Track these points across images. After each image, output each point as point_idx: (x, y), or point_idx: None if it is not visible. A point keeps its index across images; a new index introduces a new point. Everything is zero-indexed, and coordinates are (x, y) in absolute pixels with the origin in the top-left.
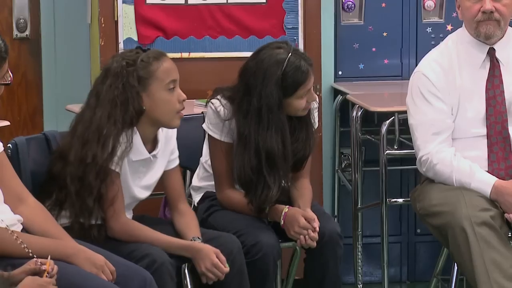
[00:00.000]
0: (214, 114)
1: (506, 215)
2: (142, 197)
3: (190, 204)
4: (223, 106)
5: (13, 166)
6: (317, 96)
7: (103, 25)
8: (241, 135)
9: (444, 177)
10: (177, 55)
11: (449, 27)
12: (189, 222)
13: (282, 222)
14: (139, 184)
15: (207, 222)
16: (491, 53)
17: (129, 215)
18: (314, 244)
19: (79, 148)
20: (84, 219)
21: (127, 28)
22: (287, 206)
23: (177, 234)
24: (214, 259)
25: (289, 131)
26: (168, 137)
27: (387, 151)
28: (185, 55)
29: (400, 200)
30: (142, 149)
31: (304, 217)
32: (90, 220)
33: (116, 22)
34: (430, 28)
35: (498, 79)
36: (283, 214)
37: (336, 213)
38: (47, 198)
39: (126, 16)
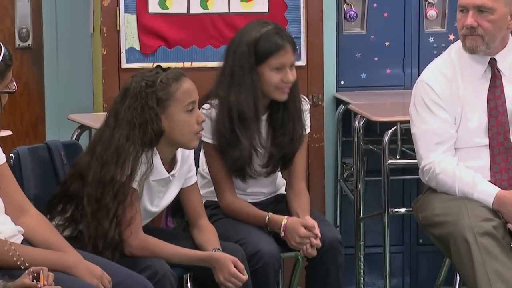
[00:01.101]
0: (207, 119)
1: (508, 225)
2: (157, 211)
3: None
4: (213, 107)
5: (15, 176)
6: (293, 78)
7: (105, 34)
8: (218, 97)
9: (447, 186)
10: (179, 64)
11: (451, 37)
12: (209, 236)
13: (282, 234)
14: (158, 204)
15: None
16: (492, 63)
17: (196, 227)
18: (315, 252)
19: (97, 169)
20: (98, 241)
21: (130, 38)
22: (286, 217)
23: (194, 247)
24: (231, 269)
25: (277, 124)
26: (185, 156)
27: (389, 161)
28: (187, 64)
29: (402, 210)
30: (161, 169)
31: (304, 226)
32: (105, 242)
33: (118, 32)
34: (432, 38)
35: (499, 89)
36: (282, 225)
37: (338, 223)
38: (60, 214)
39: (128, 26)
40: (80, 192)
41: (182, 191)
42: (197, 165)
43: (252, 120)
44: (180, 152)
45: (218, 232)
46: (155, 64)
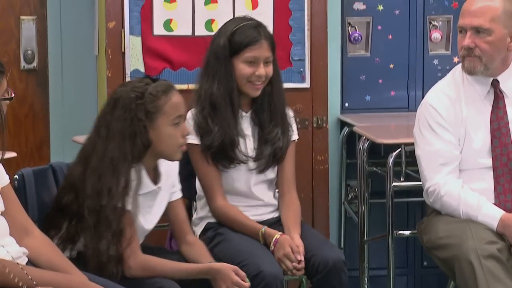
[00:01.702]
0: (191, 122)
1: None
2: (149, 228)
3: None
4: (195, 109)
5: (19, 198)
6: (265, 73)
7: (110, 56)
8: (195, 89)
9: (451, 209)
10: (184, 86)
11: (455, 59)
12: (201, 251)
13: (272, 248)
14: (149, 218)
15: (212, 253)
16: (494, 84)
17: (184, 243)
18: (301, 272)
19: (95, 181)
20: (100, 254)
21: (134, 60)
22: (279, 233)
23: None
24: (234, 278)
25: (265, 122)
26: (170, 170)
27: (394, 183)
28: (192, 86)
29: (407, 232)
30: (147, 182)
31: (291, 247)
32: (108, 254)
33: (123, 54)
34: (436, 60)
35: (502, 110)
36: (274, 239)
37: (342, 245)
38: (54, 230)
39: (133, 48)
40: (73, 205)
41: (168, 205)
42: (194, 190)
43: (226, 109)
44: (163, 165)
45: (219, 255)
46: None
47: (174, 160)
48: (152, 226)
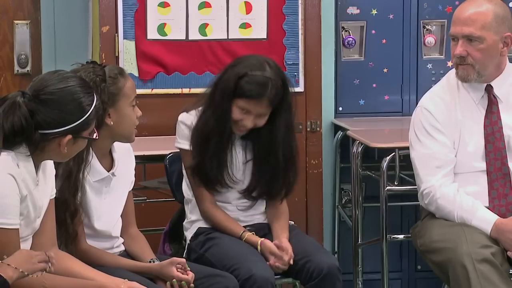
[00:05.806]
0: (182, 126)
1: (508, 253)
2: (117, 215)
3: (185, 241)
4: (190, 114)
5: None
6: (251, 125)
7: (104, 61)
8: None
9: (446, 211)
10: (177, 90)
11: (449, 64)
12: (142, 245)
13: (259, 248)
14: (108, 204)
15: (204, 257)
16: (488, 89)
17: (126, 235)
18: (285, 268)
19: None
20: (61, 233)
21: (128, 64)
22: (261, 239)
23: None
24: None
25: (258, 155)
26: (128, 159)
27: (388, 187)
28: (185, 90)
29: (401, 236)
30: (100, 168)
31: (277, 247)
32: (67, 234)
33: (117, 58)
34: (430, 65)
35: (496, 115)
36: (259, 242)
37: (336, 249)
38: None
39: (127, 52)
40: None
41: None
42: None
43: (216, 142)
44: (119, 153)
45: (212, 259)
46: (153, 90)
47: (131, 141)
48: (119, 213)
